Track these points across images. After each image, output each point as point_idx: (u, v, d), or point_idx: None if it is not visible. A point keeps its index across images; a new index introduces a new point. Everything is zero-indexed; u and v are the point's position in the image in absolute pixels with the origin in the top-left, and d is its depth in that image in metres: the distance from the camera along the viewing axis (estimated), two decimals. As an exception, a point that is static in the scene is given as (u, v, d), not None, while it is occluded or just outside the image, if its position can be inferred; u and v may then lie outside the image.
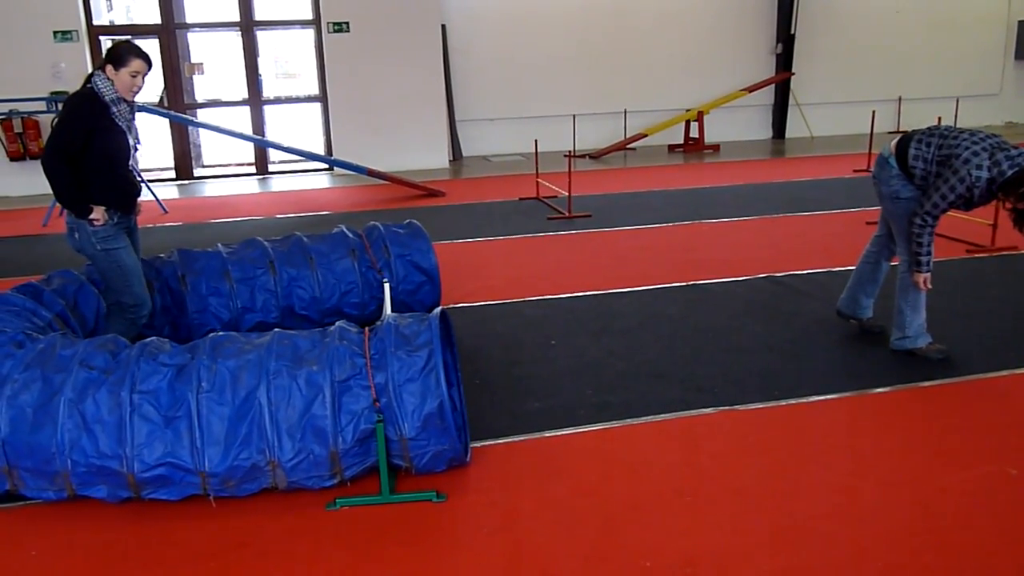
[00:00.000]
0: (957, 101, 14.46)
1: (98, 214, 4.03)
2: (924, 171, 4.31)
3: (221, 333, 3.51)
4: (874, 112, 11.95)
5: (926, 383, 4.27)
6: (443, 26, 13.07)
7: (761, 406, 4.05)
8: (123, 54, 4.00)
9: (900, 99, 15.59)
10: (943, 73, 15.72)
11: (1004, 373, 4.37)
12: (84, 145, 3.94)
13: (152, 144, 13.60)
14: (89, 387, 3.15)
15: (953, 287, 5.88)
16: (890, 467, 3.45)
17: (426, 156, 12.78)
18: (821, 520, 3.07)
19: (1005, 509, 3.11)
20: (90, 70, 10.67)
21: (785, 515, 3.11)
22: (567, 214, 8.71)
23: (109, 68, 3.98)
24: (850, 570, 2.78)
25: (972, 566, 2.78)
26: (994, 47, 16.18)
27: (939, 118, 11.28)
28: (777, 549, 2.90)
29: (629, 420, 3.94)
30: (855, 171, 11.10)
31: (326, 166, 12.65)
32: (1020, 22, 16.09)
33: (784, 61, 14.99)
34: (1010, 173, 3.95)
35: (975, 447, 3.59)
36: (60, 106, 4.34)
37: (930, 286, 4.43)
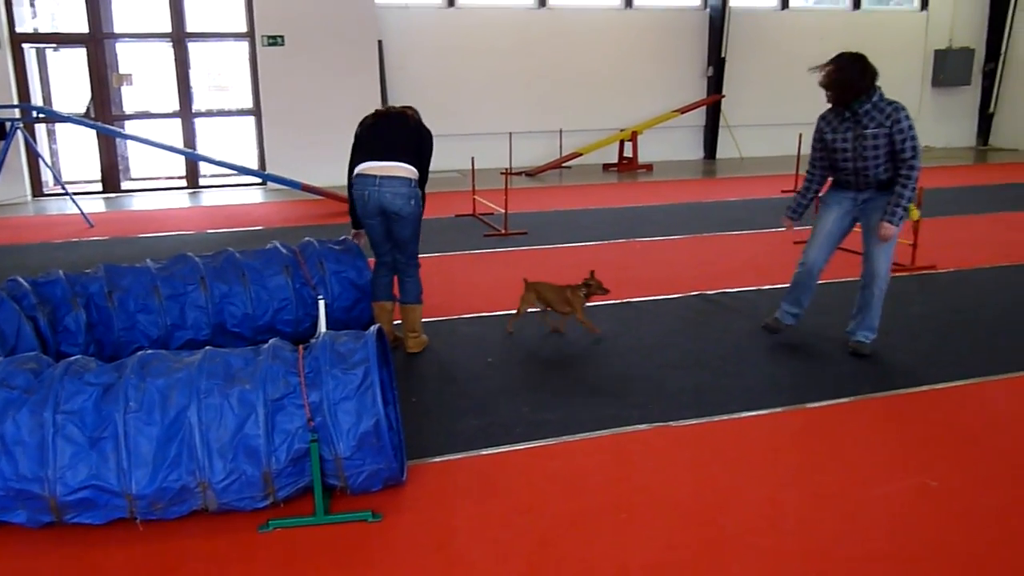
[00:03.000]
0: (879, 125, 15.01)
1: None
2: None
3: (150, 351, 3.42)
4: (801, 135, 12.33)
5: (850, 398, 4.40)
6: (380, 42, 13.05)
7: (693, 422, 4.12)
8: None
9: (825, 122, 16.09)
10: (865, 98, 16.27)
11: (924, 388, 4.53)
12: None
13: (78, 156, 13.24)
14: (9, 407, 3.03)
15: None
16: (817, 480, 3.54)
17: (362, 172, 12.69)
18: (751, 534, 3.13)
19: (926, 520, 3.22)
20: (12, 79, 10.35)
21: (717, 529, 3.16)
22: (503, 231, 8.75)
23: None
24: (780, 582, 2.84)
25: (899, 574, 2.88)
26: (912, 74, 16.88)
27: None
28: (710, 562, 2.95)
29: (565, 437, 3.96)
30: (783, 191, 11.42)
31: (259, 181, 12.48)
32: (936, 51, 16.82)
33: (715, 84, 15.39)
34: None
35: (897, 460, 3.71)
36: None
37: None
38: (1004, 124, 17.47)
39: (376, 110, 5.09)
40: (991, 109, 17.50)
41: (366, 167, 4.77)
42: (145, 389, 3.12)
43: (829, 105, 4.83)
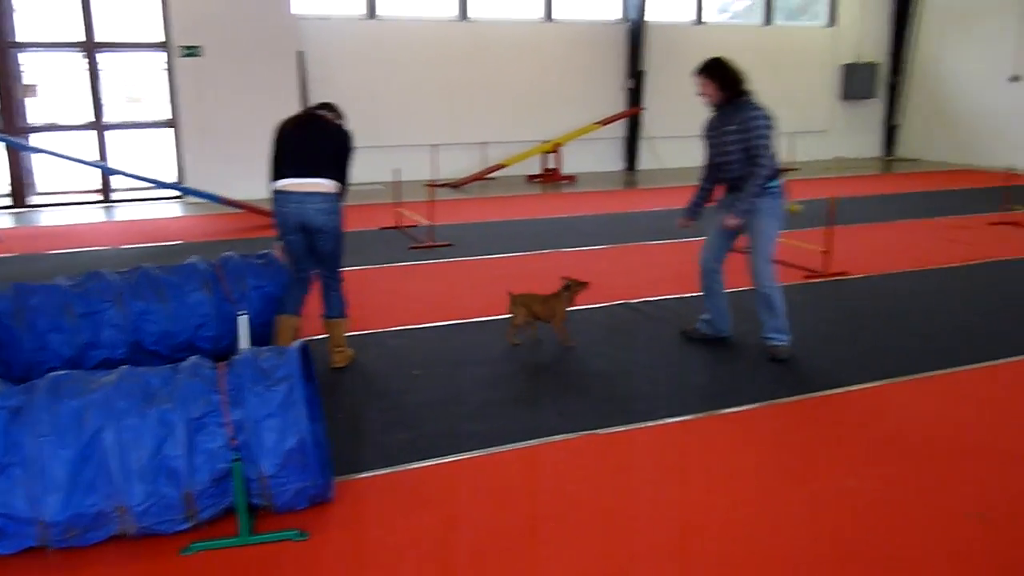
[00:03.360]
0: (792, 137, 15.55)
1: None
2: None
3: (62, 372, 3.29)
4: (718, 146, 12.65)
5: (771, 402, 4.51)
6: (301, 53, 12.89)
7: (621, 429, 4.17)
8: None
9: (741, 134, 16.55)
10: (779, 110, 16.67)
11: (840, 390, 4.69)
12: None
13: (-19, 169, 12.70)
14: (-91, 435, 2.88)
15: (793, 310, 6.26)
16: (741, 484, 3.62)
17: (283, 184, 12.48)
18: (677, 540, 3.18)
19: (846, 519, 3.32)
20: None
21: (646, 536, 3.20)
22: (428, 243, 8.73)
23: None
24: (706, 585, 2.89)
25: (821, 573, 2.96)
26: (823, 88, 17.51)
27: (776, 152, 12.06)
28: (640, 570, 2.98)
29: (494, 448, 3.96)
30: (702, 201, 11.66)
31: (176, 194, 12.17)
32: (845, 65, 17.49)
33: (635, 96, 15.66)
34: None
35: (817, 461, 3.82)
36: None
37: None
38: (908, 135, 18.26)
39: (296, 115, 5.01)
40: (896, 121, 18.26)
41: (286, 184, 4.70)
42: (58, 411, 3.00)
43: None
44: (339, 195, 4.82)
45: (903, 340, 5.58)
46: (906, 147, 18.29)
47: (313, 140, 4.79)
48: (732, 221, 5.03)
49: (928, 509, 3.37)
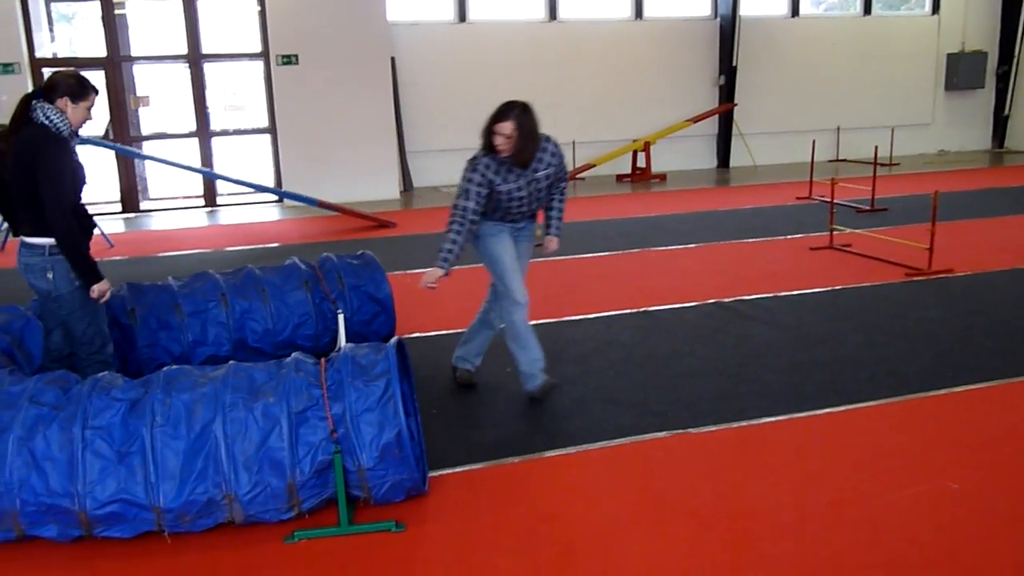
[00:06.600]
0: (892, 131, 15.02)
1: (105, 285, 3.93)
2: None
3: (175, 367, 3.48)
4: (814, 141, 12.35)
5: (870, 403, 4.39)
6: (392, 59, 13.17)
7: (712, 429, 4.13)
8: (83, 88, 3.88)
9: (839, 129, 16.10)
10: (878, 104, 16.30)
11: (943, 392, 4.53)
12: None
13: (97, 177, 13.39)
14: (39, 424, 3.10)
15: (894, 309, 6.07)
16: (837, 486, 3.54)
17: (377, 187, 12.79)
18: (772, 540, 3.14)
19: (947, 524, 3.21)
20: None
21: (738, 535, 3.17)
22: (519, 243, 8.78)
23: (64, 101, 3.82)
24: (803, 587, 2.85)
25: (918, 579, 2.88)
26: (926, 79, 16.83)
27: (876, 147, 11.68)
28: (731, 570, 2.96)
29: (585, 446, 3.98)
30: (798, 198, 11.41)
31: (276, 198, 12.59)
32: (949, 55, 16.78)
33: (727, 92, 15.39)
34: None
35: (917, 464, 3.71)
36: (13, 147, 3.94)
37: (428, 286, 4.30)
38: (1020, 126, 17.38)
39: None
40: (1006, 112, 17.41)
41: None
42: (171, 404, 3.17)
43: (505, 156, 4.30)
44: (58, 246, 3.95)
45: (1012, 340, 5.34)
46: (1017, 139, 17.40)
47: (6, 184, 3.99)
48: (557, 244, 4.77)
49: (1040, 515, 3.23)
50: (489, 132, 4.25)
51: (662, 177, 14.47)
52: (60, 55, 12.64)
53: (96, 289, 3.91)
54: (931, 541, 3.10)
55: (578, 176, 14.36)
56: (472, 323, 4.87)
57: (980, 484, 3.50)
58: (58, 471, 3.04)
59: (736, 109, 15.42)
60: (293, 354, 3.51)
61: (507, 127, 4.20)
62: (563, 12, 14.65)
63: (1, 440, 3.05)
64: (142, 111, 12.83)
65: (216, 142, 12.84)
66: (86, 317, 4.02)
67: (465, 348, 4.86)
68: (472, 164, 4.32)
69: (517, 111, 4.26)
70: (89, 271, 3.89)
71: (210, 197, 12.84)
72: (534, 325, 5.85)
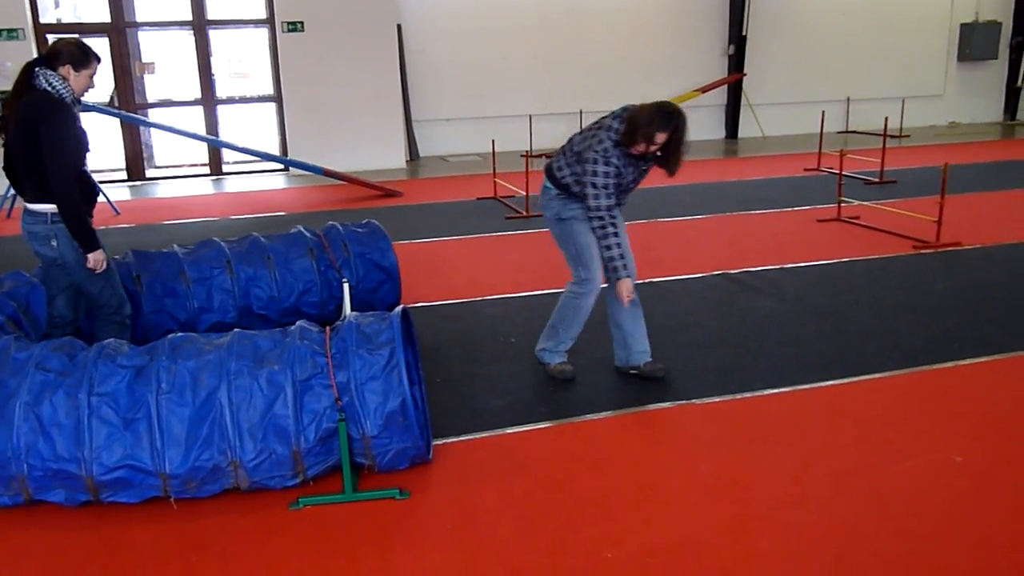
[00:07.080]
0: (903, 102, 14.86)
1: (101, 255, 3.94)
2: (574, 176, 4.25)
3: (180, 334, 3.49)
4: (824, 112, 12.24)
5: (875, 375, 4.39)
6: (399, 26, 13.05)
7: (717, 400, 4.14)
8: (85, 56, 3.86)
9: (848, 100, 15.93)
10: (889, 74, 16.11)
11: (949, 364, 4.52)
12: None
13: (102, 145, 13.36)
14: (45, 390, 3.11)
15: (901, 282, 6.05)
16: (839, 457, 3.54)
17: (383, 156, 12.74)
18: (775, 510, 3.15)
19: (950, 494, 3.22)
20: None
21: (741, 505, 3.18)
22: (525, 213, 8.76)
23: (67, 69, 3.80)
24: (804, 557, 2.86)
25: (923, 549, 2.88)
26: (937, 49, 16.62)
27: (886, 118, 11.57)
28: (734, 538, 2.97)
29: (588, 415, 3.99)
30: (806, 170, 11.33)
31: (281, 166, 12.55)
32: (962, 25, 16.56)
33: (736, 62, 15.24)
34: (622, 126, 4.04)
35: (922, 437, 3.71)
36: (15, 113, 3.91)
37: (632, 295, 4.22)
38: (1032, 99, 17.18)
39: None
40: (1019, 83, 17.21)
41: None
42: (176, 371, 3.18)
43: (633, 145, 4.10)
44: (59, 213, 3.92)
45: (1021, 314, 5.31)
46: (1029, 111, 17.23)
47: (10, 150, 4.00)
48: None
49: (1043, 488, 3.24)
50: (645, 135, 3.99)
51: (670, 147, 14.35)
52: (64, 21, 12.57)
53: (92, 258, 3.92)
54: (934, 513, 3.10)
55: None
56: (611, 332, 4.56)
57: (984, 457, 3.50)
58: (65, 437, 3.05)
59: (745, 79, 15.27)
60: (298, 322, 3.51)
61: (663, 137, 4.03)
62: (571, -21, 14.47)
63: (8, 406, 3.07)
64: (147, 78, 12.76)
65: (221, 110, 12.79)
66: (100, 280, 4.05)
67: (624, 350, 4.54)
68: (604, 157, 4.08)
69: (680, 121, 4.08)
70: (87, 239, 3.90)
71: (215, 165, 12.81)
72: (546, 294, 5.86)
